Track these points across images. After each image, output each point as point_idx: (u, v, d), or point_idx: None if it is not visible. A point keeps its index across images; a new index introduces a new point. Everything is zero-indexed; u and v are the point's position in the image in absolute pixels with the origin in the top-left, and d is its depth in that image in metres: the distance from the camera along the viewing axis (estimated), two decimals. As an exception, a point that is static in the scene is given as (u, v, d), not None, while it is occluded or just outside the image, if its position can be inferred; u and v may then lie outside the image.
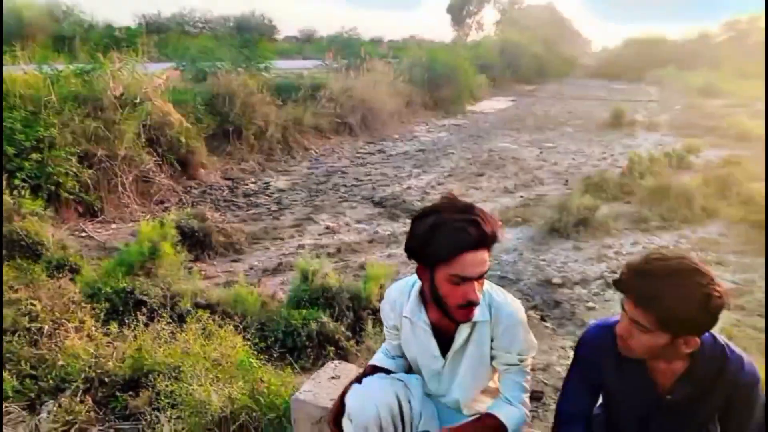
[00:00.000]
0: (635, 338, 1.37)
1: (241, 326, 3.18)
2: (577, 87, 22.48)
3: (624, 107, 13.86)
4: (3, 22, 7.20)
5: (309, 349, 3.30)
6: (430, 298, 1.65)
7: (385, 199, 7.14)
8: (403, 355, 1.91)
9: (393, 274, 4.50)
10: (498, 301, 1.71)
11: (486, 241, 1.55)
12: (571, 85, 23.15)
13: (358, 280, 4.25)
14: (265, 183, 8.02)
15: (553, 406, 3.29)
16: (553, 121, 13.93)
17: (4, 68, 6.75)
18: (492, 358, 1.75)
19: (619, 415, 1.57)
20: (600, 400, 1.66)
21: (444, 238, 1.52)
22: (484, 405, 1.81)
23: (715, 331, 1.38)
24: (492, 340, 1.72)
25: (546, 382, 3.34)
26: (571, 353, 3.83)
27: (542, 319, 4.31)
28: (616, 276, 1.42)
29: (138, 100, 7.22)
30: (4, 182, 5.15)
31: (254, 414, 2.11)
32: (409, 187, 7.80)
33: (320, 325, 3.38)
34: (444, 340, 1.75)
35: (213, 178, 8.05)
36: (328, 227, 6.11)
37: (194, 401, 2.07)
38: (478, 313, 1.66)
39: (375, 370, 1.89)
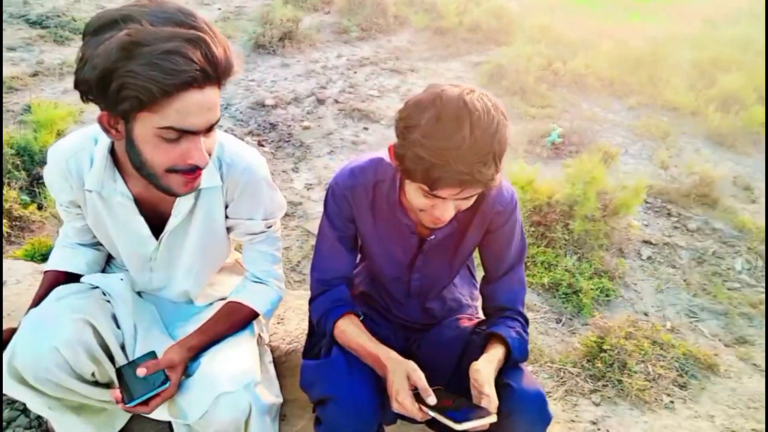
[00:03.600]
0: (461, 208, 1.12)
1: None
2: None
3: None
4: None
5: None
6: (126, 160, 1.10)
7: (45, 17, 5.55)
8: (95, 240, 1.38)
9: (74, 115, 3.64)
10: (231, 156, 1.25)
11: (217, 71, 1.00)
12: None
13: (25, 128, 3.31)
14: None
15: (293, 225, 3.28)
16: None
17: None
18: (229, 229, 1.35)
19: (381, 264, 1.39)
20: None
21: (146, 67, 0.93)
22: (226, 287, 1.45)
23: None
24: (226, 207, 1.30)
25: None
26: (294, 176, 3.83)
27: (260, 144, 4.10)
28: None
29: None
30: None
31: None
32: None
33: (-20, 196, 2.55)
34: (156, 216, 1.26)
35: None
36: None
37: None
38: (205, 177, 1.19)
39: (57, 279, 1.32)
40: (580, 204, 3.05)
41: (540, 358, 2.20)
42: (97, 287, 1.32)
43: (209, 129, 1.06)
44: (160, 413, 1.21)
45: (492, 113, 1.00)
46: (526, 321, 1.34)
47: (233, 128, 4.23)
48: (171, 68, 0.94)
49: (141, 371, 1.14)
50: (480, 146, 0.98)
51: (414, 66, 5.66)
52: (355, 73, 5.33)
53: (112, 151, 1.18)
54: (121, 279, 1.36)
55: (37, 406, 1.20)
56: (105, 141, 1.18)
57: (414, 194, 1.10)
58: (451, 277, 1.42)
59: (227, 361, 1.23)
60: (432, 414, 1.03)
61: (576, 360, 2.18)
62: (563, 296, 2.76)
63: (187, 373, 1.24)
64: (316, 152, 3.99)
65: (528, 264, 2.99)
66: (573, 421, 1.89)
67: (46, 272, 1.37)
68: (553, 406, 1.95)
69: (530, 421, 1.16)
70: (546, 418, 1.17)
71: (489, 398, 1.05)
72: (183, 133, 1.02)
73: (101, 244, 1.39)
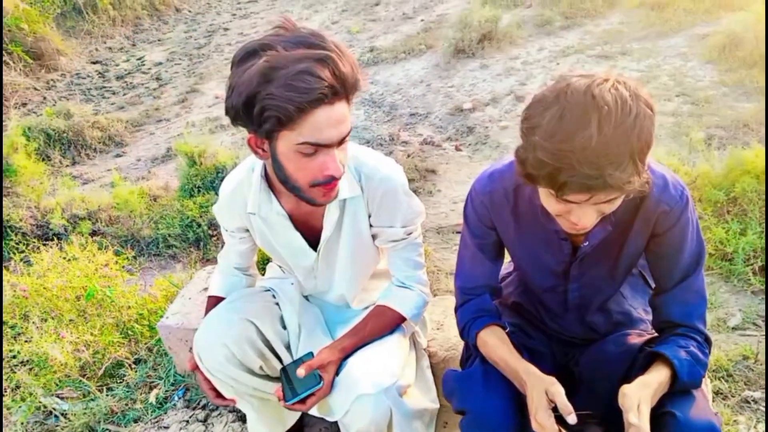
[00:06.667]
0: (604, 212, 0.98)
1: (121, 236, 2.80)
2: None
3: None
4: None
5: (215, 238, 3.02)
6: (276, 179, 1.22)
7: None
8: (249, 265, 1.58)
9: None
10: (368, 168, 1.31)
11: (345, 87, 1.07)
12: None
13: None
14: (138, 59, 7.05)
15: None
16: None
17: None
18: (374, 237, 1.40)
19: (532, 274, 1.28)
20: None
21: (282, 89, 1.02)
22: (377, 293, 1.51)
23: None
24: (369, 216, 1.36)
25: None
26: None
27: (457, 149, 4.15)
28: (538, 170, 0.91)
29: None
30: None
31: (127, 347, 1.82)
32: (300, 33, 7.03)
33: (221, 210, 3.07)
34: (310, 229, 1.36)
35: (77, 65, 6.99)
36: (217, 96, 5.49)
37: (38, 357, 1.77)
38: (346, 188, 1.27)
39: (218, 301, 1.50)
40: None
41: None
42: (268, 290, 1.50)
43: (341, 141, 1.13)
44: (312, 410, 1.30)
45: (629, 104, 0.85)
46: (707, 340, 1.12)
47: (432, 135, 4.36)
48: (303, 87, 1.02)
49: (300, 372, 1.24)
50: (611, 145, 0.84)
51: (626, 48, 5.15)
52: (558, 64, 5.06)
53: (266, 175, 1.31)
54: (292, 283, 1.51)
55: (225, 390, 1.39)
56: (259, 167, 1.30)
57: (546, 199, 0.99)
58: (615, 288, 1.25)
59: (370, 363, 1.28)
60: None
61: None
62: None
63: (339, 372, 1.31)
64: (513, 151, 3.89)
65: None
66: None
67: (209, 297, 1.55)
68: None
69: None
70: None
71: (635, 428, 0.90)
72: (318, 147, 1.10)
73: (252, 272, 1.59)
